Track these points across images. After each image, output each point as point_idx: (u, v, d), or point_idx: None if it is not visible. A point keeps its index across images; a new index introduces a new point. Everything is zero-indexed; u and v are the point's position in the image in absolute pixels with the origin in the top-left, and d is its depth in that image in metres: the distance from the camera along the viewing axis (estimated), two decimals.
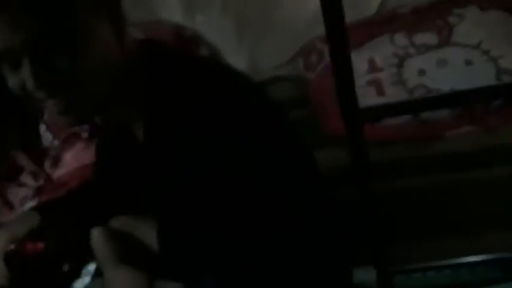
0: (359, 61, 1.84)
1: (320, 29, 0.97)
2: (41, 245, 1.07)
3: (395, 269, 1.25)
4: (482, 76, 1.72)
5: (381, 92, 1.80)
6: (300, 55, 2.09)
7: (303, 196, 0.81)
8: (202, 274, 0.90)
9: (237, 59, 1.98)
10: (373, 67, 1.87)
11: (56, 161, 1.92)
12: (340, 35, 0.94)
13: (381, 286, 1.22)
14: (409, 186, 1.47)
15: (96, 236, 1.14)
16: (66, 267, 1.42)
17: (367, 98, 1.69)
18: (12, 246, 1.01)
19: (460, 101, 1.33)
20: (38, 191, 1.88)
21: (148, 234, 1.13)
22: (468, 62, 1.77)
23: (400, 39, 1.92)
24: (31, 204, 1.74)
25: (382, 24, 1.98)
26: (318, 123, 1.73)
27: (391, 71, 1.84)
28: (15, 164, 1.92)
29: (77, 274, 1.41)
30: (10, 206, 1.83)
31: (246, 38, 2.08)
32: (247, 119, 0.80)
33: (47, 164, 1.95)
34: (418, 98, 1.69)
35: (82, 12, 0.76)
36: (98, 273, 1.37)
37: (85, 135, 1.88)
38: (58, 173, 1.89)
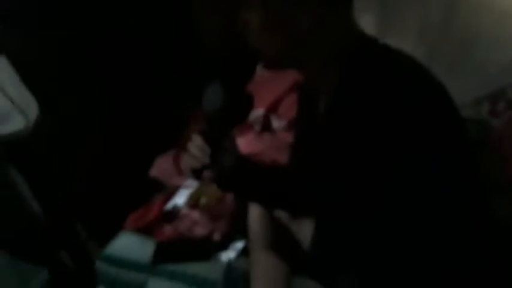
0: None
1: None
2: None
3: None
4: None
5: None
6: (487, 99, 2.00)
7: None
8: (342, 276, 0.91)
9: None
10: None
11: None
12: None
13: None
14: None
15: (256, 215, 1.19)
16: (217, 236, 1.47)
17: None
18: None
19: None
20: None
21: (302, 231, 1.15)
22: None
23: None
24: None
25: None
26: (494, 170, 1.65)
27: None
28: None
29: (225, 246, 1.48)
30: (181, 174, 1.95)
31: (435, 69, 2.04)
32: (432, 144, 0.84)
33: None
34: None
35: None
36: (243, 252, 1.43)
37: (257, 128, 1.97)
38: None
